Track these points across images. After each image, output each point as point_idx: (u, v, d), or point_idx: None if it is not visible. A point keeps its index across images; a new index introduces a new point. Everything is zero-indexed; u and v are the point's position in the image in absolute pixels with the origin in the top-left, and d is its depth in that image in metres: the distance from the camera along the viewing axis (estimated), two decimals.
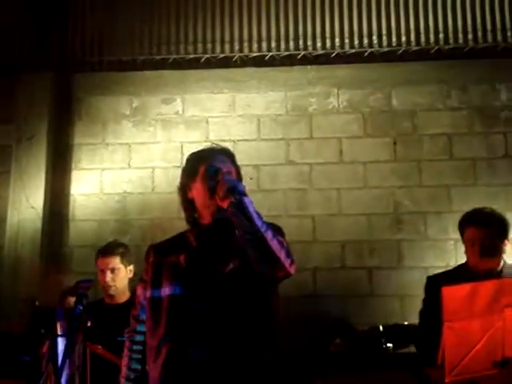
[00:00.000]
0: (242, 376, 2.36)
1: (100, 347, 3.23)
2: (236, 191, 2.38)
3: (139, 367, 2.57)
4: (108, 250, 4.24)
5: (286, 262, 2.45)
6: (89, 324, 2.67)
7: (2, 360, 3.57)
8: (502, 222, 3.50)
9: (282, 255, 2.43)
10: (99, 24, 5.85)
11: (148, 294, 2.58)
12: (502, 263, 3.45)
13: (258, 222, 2.39)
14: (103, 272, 4.14)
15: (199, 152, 2.72)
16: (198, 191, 2.59)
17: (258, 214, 2.41)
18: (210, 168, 2.57)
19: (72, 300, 4.21)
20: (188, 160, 2.73)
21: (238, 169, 2.71)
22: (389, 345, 3.95)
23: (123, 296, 4.16)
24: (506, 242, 3.46)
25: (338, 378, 2.98)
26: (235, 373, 2.38)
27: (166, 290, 2.51)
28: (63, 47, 5.86)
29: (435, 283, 3.45)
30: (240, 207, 2.37)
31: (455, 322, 2.59)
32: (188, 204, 2.64)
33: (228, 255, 2.50)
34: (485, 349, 2.61)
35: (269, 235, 2.40)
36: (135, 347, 2.61)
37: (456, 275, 3.44)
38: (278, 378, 2.54)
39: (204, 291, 2.46)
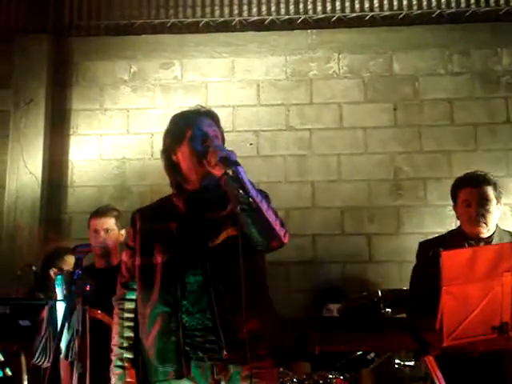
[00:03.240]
0: (239, 343, 2.33)
1: (99, 311, 3.23)
2: (230, 161, 2.33)
3: (132, 335, 2.54)
4: (102, 211, 4.23)
5: (281, 232, 2.44)
6: (87, 288, 2.66)
7: (2, 325, 3.58)
8: (495, 184, 3.47)
9: (277, 225, 2.42)
10: None
11: (137, 261, 2.53)
12: (494, 228, 3.43)
13: (253, 192, 2.35)
14: (97, 232, 4.12)
15: (184, 114, 2.67)
16: (184, 156, 2.54)
17: (252, 183, 2.38)
18: (197, 132, 2.53)
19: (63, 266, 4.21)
20: (172, 122, 2.66)
21: (222, 131, 2.66)
22: (387, 310, 3.96)
23: (115, 259, 4.12)
24: (499, 205, 3.44)
25: (335, 342, 2.99)
26: (232, 340, 2.36)
27: (158, 258, 2.47)
28: (60, 11, 5.79)
29: (428, 248, 3.45)
30: (236, 179, 2.32)
31: (454, 286, 2.58)
32: (172, 168, 2.59)
33: (220, 224, 2.47)
34: (483, 313, 2.60)
35: (264, 205, 2.38)
36: (126, 315, 2.57)
37: (448, 240, 3.41)
38: (276, 343, 2.53)
39: (197, 260, 2.44)
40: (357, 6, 5.60)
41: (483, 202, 3.38)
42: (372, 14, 5.57)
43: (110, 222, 4.16)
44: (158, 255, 2.48)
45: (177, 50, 5.73)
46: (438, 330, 2.63)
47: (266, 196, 2.51)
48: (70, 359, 2.86)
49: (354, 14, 5.59)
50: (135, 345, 2.53)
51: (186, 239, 2.47)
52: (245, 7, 5.62)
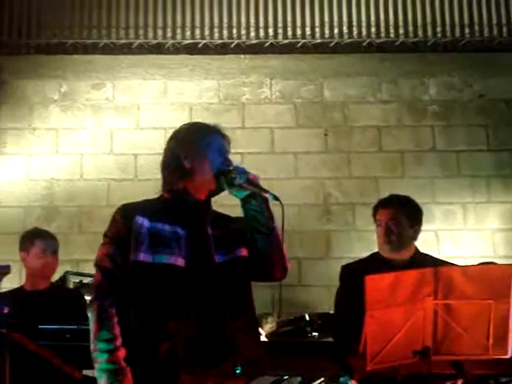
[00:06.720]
0: (246, 361, 2.32)
1: (20, 335, 3.15)
2: (257, 185, 2.36)
3: (118, 333, 2.32)
4: (49, 233, 4.17)
5: (288, 263, 2.48)
6: (5, 310, 2.58)
7: None
8: (410, 206, 3.51)
9: (286, 255, 2.46)
10: (27, 5, 5.66)
11: (134, 257, 2.36)
12: (412, 251, 3.48)
13: (273, 219, 2.39)
14: (45, 253, 4.04)
15: (206, 126, 2.60)
16: (202, 167, 2.46)
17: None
18: (221, 148, 2.51)
19: None
20: (193, 130, 2.59)
21: None
22: (314, 334, 3.98)
23: (46, 282, 4.09)
24: (415, 228, 3.49)
25: None
26: (240, 358, 2.32)
27: (162, 258, 2.35)
28: None
29: (350, 272, 3.50)
30: (266, 203, 2.37)
31: (377, 310, 2.61)
32: (180, 173, 2.48)
33: (229, 241, 2.44)
34: (405, 338, 2.65)
35: (279, 233, 2.41)
36: (112, 310, 2.34)
37: (370, 264, 3.46)
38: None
39: (206, 272, 2.36)
40: (289, 33, 5.66)
41: (390, 223, 3.44)
42: (304, 41, 5.63)
43: (57, 244, 4.11)
44: (164, 256, 2.35)
45: (109, 70, 5.68)
46: (362, 354, 2.66)
47: None
48: None
49: (286, 41, 5.65)
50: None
51: (195, 249, 2.39)
52: (178, 30, 5.61)
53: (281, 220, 2.40)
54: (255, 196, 2.38)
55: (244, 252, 2.45)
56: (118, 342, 2.31)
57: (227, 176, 2.41)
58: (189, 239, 2.40)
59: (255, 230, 2.40)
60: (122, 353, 2.30)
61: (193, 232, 2.42)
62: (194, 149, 2.50)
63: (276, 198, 2.37)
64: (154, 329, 2.31)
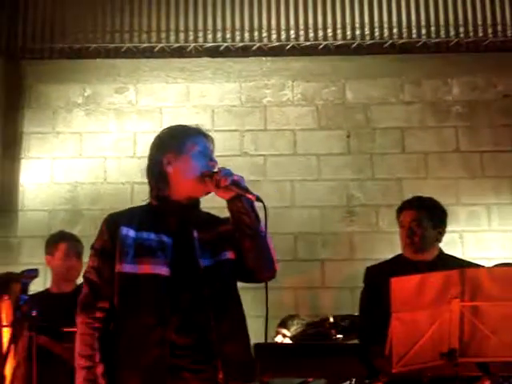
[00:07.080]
0: (234, 366, 2.32)
1: (46, 337, 3.17)
2: (243, 186, 2.34)
3: (101, 346, 2.36)
4: (73, 236, 4.23)
5: (276, 264, 2.45)
6: (34, 314, 2.59)
7: None
8: (433, 207, 3.51)
9: (274, 256, 2.44)
10: (51, 10, 5.73)
11: (120, 268, 2.37)
12: (436, 252, 3.47)
13: (259, 220, 2.38)
14: (69, 256, 4.10)
15: (187, 128, 2.57)
16: (182, 169, 2.45)
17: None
18: (204, 150, 2.48)
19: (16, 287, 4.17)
20: (173, 133, 2.55)
21: None
22: (339, 336, 3.98)
23: (71, 285, 4.12)
24: (438, 230, 3.48)
25: (287, 369, 2.99)
26: (226, 363, 2.32)
27: (147, 268, 2.35)
28: (13, 33, 5.73)
29: (375, 273, 3.49)
30: (251, 205, 2.35)
31: (403, 312, 2.60)
32: (161, 177, 2.47)
33: (213, 244, 2.44)
34: (432, 340, 2.63)
35: (266, 233, 2.40)
36: (98, 325, 2.38)
37: (395, 265, 3.45)
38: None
39: (192, 278, 2.37)
40: (311, 34, 5.67)
41: (413, 224, 3.43)
42: (326, 43, 5.64)
43: (81, 248, 4.13)
44: (148, 265, 2.36)
45: (131, 74, 5.71)
46: (388, 357, 2.65)
47: None
48: None
49: (308, 43, 5.66)
50: (105, 357, 2.36)
51: (180, 255, 2.39)
52: (200, 33, 5.64)
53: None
54: (240, 197, 2.36)
55: (230, 255, 2.44)
56: (97, 357, 2.34)
57: (212, 178, 2.39)
58: (174, 246, 2.41)
59: (241, 231, 2.38)
60: (100, 369, 2.32)
61: (178, 239, 2.42)
62: (176, 153, 2.48)
63: (259, 200, 2.34)
64: (141, 337, 2.32)
